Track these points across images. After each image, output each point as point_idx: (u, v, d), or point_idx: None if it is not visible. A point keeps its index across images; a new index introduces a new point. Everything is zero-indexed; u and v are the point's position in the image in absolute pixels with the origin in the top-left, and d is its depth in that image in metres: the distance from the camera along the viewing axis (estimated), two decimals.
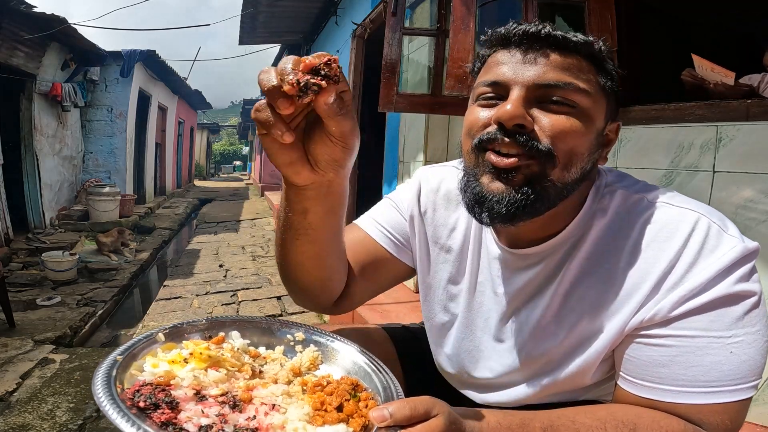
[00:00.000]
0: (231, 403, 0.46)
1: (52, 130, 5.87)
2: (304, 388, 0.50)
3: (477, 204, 0.53)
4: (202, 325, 0.57)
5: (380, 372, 0.52)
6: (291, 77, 0.43)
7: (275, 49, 7.28)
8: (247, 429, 0.43)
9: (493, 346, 0.64)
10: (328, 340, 0.59)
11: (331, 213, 0.57)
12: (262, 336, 0.59)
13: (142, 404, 0.41)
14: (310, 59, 0.45)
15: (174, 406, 0.43)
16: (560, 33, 0.51)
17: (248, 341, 0.57)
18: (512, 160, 0.50)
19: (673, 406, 0.48)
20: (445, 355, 0.70)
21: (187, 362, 0.49)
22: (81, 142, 6.68)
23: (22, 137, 5.42)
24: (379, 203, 0.77)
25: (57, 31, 4.94)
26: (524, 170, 0.50)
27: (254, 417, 0.45)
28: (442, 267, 0.69)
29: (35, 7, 4.43)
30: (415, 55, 2.17)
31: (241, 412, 0.45)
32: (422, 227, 0.70)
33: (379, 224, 0.72)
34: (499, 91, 0.52)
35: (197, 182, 16.81)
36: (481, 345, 0.65)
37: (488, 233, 0.64)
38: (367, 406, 0.46)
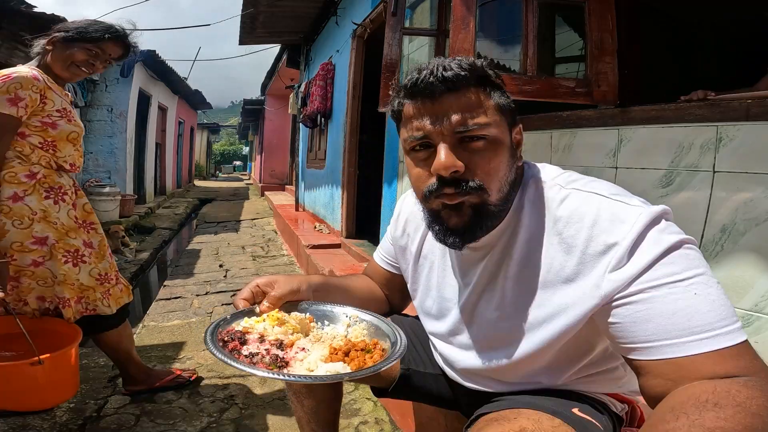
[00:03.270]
0: (278, 344, 0.70)
1: None
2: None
3: (446, 236, 0.66)
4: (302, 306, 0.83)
5: (396, 333, 0.73)
6: None
7: (275, 49, 7.27)
8: (278, 358, 0.67)
9: (465, 332, 0.76)
10: (373, 317, 0.81)
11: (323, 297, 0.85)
12: (325, 316, 0.82)
13: (225, 339, 0.70)
14: None
15: (243, 342, 0.70)
16: (450, 73, 0.60)
17: (309, 315, 0.80)
18: (458, 200, 0.63)
19: (693, 363, 0.50)
20: (434, 346, 0.86)
21: (264, 320, 0.74)
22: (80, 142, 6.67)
23: None
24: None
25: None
26: (467, 203, 0.63)
27: (287, 353, 0.69)
28: (420, 272, 0.84)
29: (35, 7, 4.42)
30: (416, 55, 2.17)
31: (282, 350, 0.69)
32: (399, 245, 0.89)
33: (381, 254, 0.97)
34: (426, 140, 0.63)
35: (197, 182, 16.81)
36: (456, 333, 0.77)
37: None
38: (372, 357, 0.68)
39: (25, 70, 1.38)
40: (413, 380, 0.89)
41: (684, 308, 0.51)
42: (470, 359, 0.75)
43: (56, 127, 1.43)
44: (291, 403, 1.04)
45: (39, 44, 1.47)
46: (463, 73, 0.60)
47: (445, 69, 0.60)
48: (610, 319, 0.56)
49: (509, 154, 0.64)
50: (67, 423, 1.50)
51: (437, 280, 0.80)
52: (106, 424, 1.51)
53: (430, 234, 0.77)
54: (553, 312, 0.62)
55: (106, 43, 1.47)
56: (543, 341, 0.64)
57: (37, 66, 1.45)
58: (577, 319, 0.60)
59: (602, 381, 0.71)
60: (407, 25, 1.82)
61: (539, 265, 0.63)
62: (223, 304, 2.88)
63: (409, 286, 0.87)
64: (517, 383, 0.71)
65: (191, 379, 1.80)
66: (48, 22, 4.77)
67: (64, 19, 4.90)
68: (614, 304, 0.56)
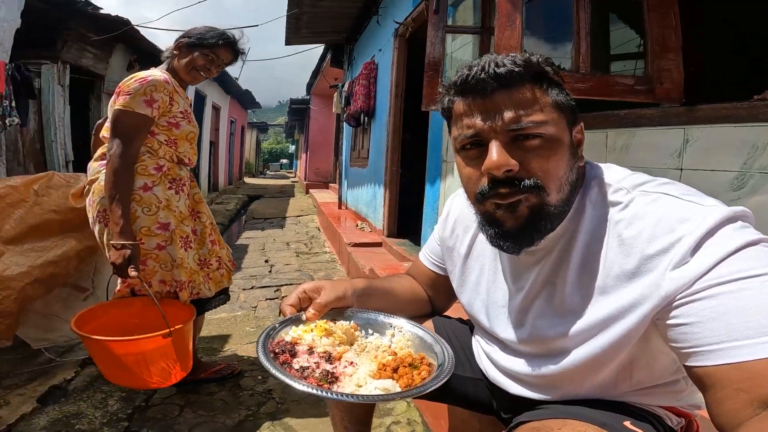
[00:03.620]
0: (327, 357, 0.70)
1: None
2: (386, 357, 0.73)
3: (501, 240, 0.63)
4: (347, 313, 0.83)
5: (443, 349, 0.73)
6: None
7: (320, 49, 7.39)
8: (328, 373, 0.68)
9: (514, 337, 0.72)
10: (416, 328, 0.81)
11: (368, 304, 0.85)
12: (371, 324, 0.83)
13: (276, 351, 0.70)
14: None
15: (293, 354, 0.70)
16: (503, 69, 0.58)
17: (355, 323, 0.81)
18: (513, 199, 0.59)
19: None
20: (481, 348, 0.83)
21: (312, 331, 0.74)
22: None
23: (91, 136, 5.87)
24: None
25: (122, 33, 5.23)
26: (524, 203, 0.59)
27: (336, 367, 0.70)
28: (468, 274, 0.82)
29: (101, 8, 4.71)
30: (459, 53, 2.11)
31: (331, 363, 0.70)
32: (447, 246, 0.87)
33: (427, 254, 0.96)
34: (477, 138, 0.61)
35: (247, 179, 17.53)
36: (503, 338, 0.74)
37: None
38: (420, 374, 0.68)
39: (158, 73, 1.52)
40: (450, 382, 0.86)
41: (761, 305, 0.44)
42: (518, 365, 0.72)
43: (179, 127, 1.57)
44: (327, 401, 1.06)
45: (168, 49, 1.64)
46: (517, 69, 0.57)
47: (497, 65, 0.58)
48: (671, 321, 0.51)
49: (569, 153, 0.61)
50: (117, 412, 1.58)
51: (487, 284, 0.78)
52: (152, 413, 1.59)
53: (480, 235, 0.76)
54: (610, 318, 0.58)
55: (220, 49, 1.62)
56: (599, 349, 0.60)
57: (166, 69, 1.61)
58: (635, 324, 0.55)
59: (660, 394, 0.65)
60: (450, 23, 1.77)
61: (598, 270, 0.59)
62: (267, 299, 2.97)
63: (455, 287, 0.86)
64: (565, 392, 0.67)
65: (234, 372, 1.87)
66: (112, 23, 5.08)
67: (127, 21, 5.23)
68: (675, 304, 0.50)
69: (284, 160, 34.20)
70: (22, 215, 1.75)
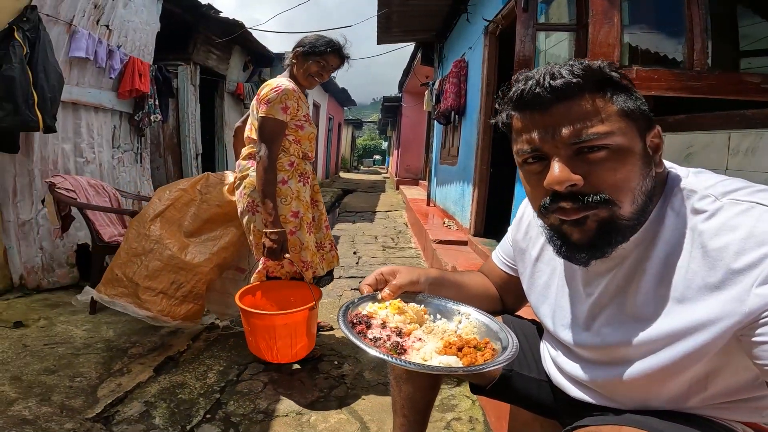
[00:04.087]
0: (398, 332, 0.77)
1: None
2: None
3: (570, 252, 0.63)
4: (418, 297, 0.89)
5: (508, 335, 0.75)
6: None
7: (411, 47, 7.47)
8: (398, 344, 0.74)
9: (582, 343, 0.71)
10: (483, 316, 0.84)
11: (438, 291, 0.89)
12: (441, 311, 0.88)
13: (353, 321, 0.78)
14: None
15: (368, 325, 0.77)
16: (559, 82, 0.56)
17: (425, 307, 0.86)
18: (579, 215, 0.58)
19: None
20: (547, 351, 0.83)
21: (386, 308, 0.81)
22: None
23: (216, 131, 6.64)
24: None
25: (238, 35, 5.82)
26: (593, 218, 0.58)
27: (405, 341, 0.75)
28: (538, 277, 0.82)
29: (221, 12, 5.22)
30: (554, 50, 2.03)
31: (401, 338, 0.76)
32: (519, 248, 0.88)
33: (499, 254, 0.97)
34: (538, 153, 0.60)
35: (342, 174, 18.42)
36: (568, 343, 0.74)
37: None
38: (483, 355, 0.71)
39: (286, 82, 1.78)
40: (514, 382, 0.89)
41: None
42: (581, 370, 0.71)
43: (303, 129, 1.84)
44: (390, 388, 1.12)
45: (288, 56, 1.88)
46: (575, 80, 0.56)
47: (553, 77, 0.56)
48: (756, 339, 0.50)
49: (642, 162, 0.58)
50: (213, 385, 1.80)
51: (556, 288, 0.77)
52: (240, 388, 1.80)
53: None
54: (685, 330, 0.56)
55: (329, 56, 1.81)
56: (668, 360, 0.58)
57: (288, 76, 1.86)
58: (714, 338, 0.53)
59: (741, 409, 0.61)
60: (541, 20, 1.72)
61: (678, 281, 0.57)
62: (352, 289, 3.16)
63: (525, 288, 0.86)
64: (629, 401, 0.66)
65: (315, 356, 2.03)
66: (230, 26, 5.70)
67: (242, 24, 5.80)
68: (761, 321, 0.49)
69: (377, 156, 35.22)
70: (195, 212, 2.12)
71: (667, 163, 0.65)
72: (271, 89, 1.72)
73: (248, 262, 2.27)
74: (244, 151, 1.91)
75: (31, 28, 2.61)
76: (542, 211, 0.62)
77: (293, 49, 1.84)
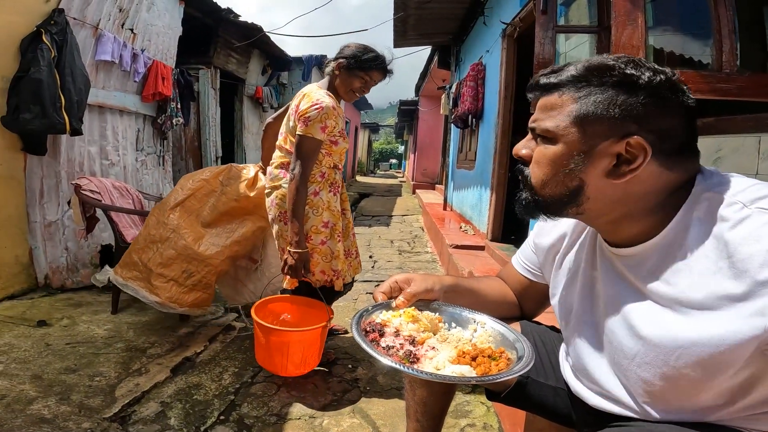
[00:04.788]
0: (411, 340, 0.76)
1: (255, 128, 7.16)
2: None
3: (516, 203, 0.73)
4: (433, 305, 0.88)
5: (524, 346, 0.74)
6: None
7: (428, 50, 7.46)
8: (411, 353, 0.74)
9: (600, 347, 0.71)
10: (499, 325, 0.83)
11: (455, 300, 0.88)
12: (454, 318, 0.88)
13: (367, 329, 0.78)
14: None
15: (381, 333, 0.77)
16: (545, 80, 0.66)
17: (439, 316, 0.86)
18: (520, 178, 0.71)
19: None
20: (564, 356, 0.83)
21: (400, 316, 0.81)
22: None
23: (235, 134, 6.74)
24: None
25: (257, 39, 5.88)
26: (523, 185, 0.71)
27: (418, 350, 0.75)
28: (560, 278, 0.82)
29: (240, 16, 5.28)
30: (574, 53, 1.99)
31: (414, 346, 0.75)
32: (542, 247, 0.87)
33: (520, 259, 0.97)
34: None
35: (359, 178, 18.50)
36: (591, 346, 0.73)
37: (599, 237, 0.74)
38: (498, 365, 0.70)
39: (326, 98, 1.71)
40: (530, 389, 0.87)
41: None
42: (598, 376, 0.70)
43: (337, 144, 1.82)
44: (405, 392, 1.11)
45: (330, 66, 1.84)
46: (554, 80, 0.65)
47: (553, 72, 0.66)
48: None
49: (565, 159, 0.63)
50: (228, 386, 1.82)
51: (577, 291, 0.77)
52: (254, 390, 1.81)
53: (577, 242, 0.79)
54: (704, 341, 0.55)
55: (374, 72, 1.77)
56: (682, 371, 0.57)
57: (327, 87, 1.83)
58: (733, 350, 0.52)
59: None
60: (561, 22, 1.69)
61: (699, 290, 0.56)
62: (367, 293, 3.15)
63: (550, 290, 0.86)
64: (650, 409, 0.64)
65: (329, 359, 2.03)
66: (249, 30, 5.78)
67: (260, 28, 5.86)
68: None
69: (393, 160, 35.27)
70: (214, 203, 2.16)
71: (704, 170, 0.63)
72: (312, 105, 1.68)
73: (260, 254, 2.31)
74: (276, 158, 1.89)
75: (58, 32, 2.68)
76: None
77: (336, 59, 1.78)
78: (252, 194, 2.07)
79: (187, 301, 2.09)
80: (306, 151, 1.70)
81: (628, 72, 0.59)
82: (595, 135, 0.61)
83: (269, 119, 2.13)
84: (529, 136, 0.69)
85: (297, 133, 1.70)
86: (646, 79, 0.58)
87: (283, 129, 1.89)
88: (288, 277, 1.81)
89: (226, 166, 2.25)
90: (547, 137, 0.65)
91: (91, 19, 3.04)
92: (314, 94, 1.72)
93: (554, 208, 0.68)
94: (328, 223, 1.80)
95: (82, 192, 2.57)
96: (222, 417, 1.60)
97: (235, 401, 1.72)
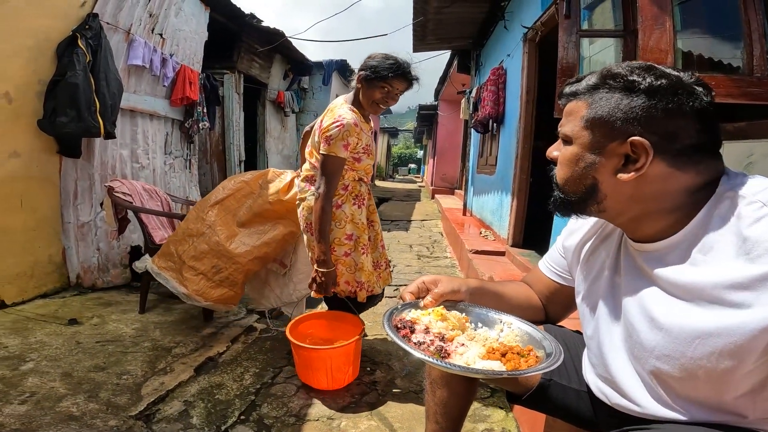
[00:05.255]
0: (440, 337, 0.79)
1: (277, 132, 7.27)
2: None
3: (550, 207, 0.77)
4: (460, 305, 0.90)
5: (551, 343, 0.76)
6: None
7: (447, 54, 7.44)
8: (442, 348, 0.76)
9: (622, 344, 0.72)
10: (525, 325, 0.84)
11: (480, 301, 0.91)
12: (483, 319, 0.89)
13: (398, 326, 0.80)
14: None
15: (412, 330, 0.80)
16: (568, 89, 0.72)
17: (466, 315, 0.88)
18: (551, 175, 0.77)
19: None
20: (587, 357, 0.83)
21: (429, 314, 0.83)
22: (295, 143, 8.11)
23: (258, 138, 6.85)
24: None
25: (279, 44, 5.96)
26: (553, 184, 0.76)
27: (448, 346, 0.77)
28: (586, 275, 0.83)
29: (262, 21, 5.37)
30: (599, 57, 1.96)
31: (444, 343, 0.78)
32: (567, 245, 0.90)
33: (547, 262, 0.98)
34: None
35: (378, 182, 18.55)
36: (613, 343, 0.74)
37: (624, 235, 0.76)
38: (527, 361, 0.72)
39: (348, 115, 1.70)
40: (552, 392, 0.88)
41: None
42: (619, 373, 0.72)
43: (360, 162, 1.82)
44: (425, 393, 1.12)
45: (353, 79, 1.82)
46: (574, 89, 0.71)
47: (577, 81, 0.71)
48: None
49: (578, 159, 0.69)
50: (249, 386, 1.85)
51: (603, 288, 0.78)
52: (274, 390, 1.83)
53: (604, 242, 0.81)
54: (723, 332, 0.56)
55: (393, 80, 1.70)
56: (703, 366, 0.59)
57: (352, 102, 1.82)
58: (749, 341, 0.54)
59: None
60: (584, 26, 1.67)
61: (718, 286, 0.58)
62: (386, 297, 3.15)
63: (575, 288, 0.87)
64: (671, 406, 0.65)
65: None
66: (271, 35, 5.87)
67: (282, 33, 5.93)
68: None
69: (412, 165, 35.24)
70: (250, 204, 2.24)
71: (728, 171, 0.66)
72: (333, 123, 1.67)
73: (290, 258, 2.36)
74: (304, 169, 1.92)
75: (93, 36, 2.77)
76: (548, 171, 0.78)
77: (357, 72, 1.75)
78: (285, 198, 2.13)
79: (213, 295, 2.16)
80: (330, 170, 1.70)
81: (630, 78, 0.64)
82: (603, 136, 0.66)
83: (307, 128, 2.15)
84: (559, 140, 0.74)
85: (321, 152, 1.71)
86: (647, 84, 0.62)
87: (310, 141, 1.91)
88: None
89: (266, 170, 2.32)
90: (566, 140, 0.71)
91: (123, 23, 3.13)
92: (337, 110, 1.72)
93: (578, 205, 0.72)
94: (351, 235, 1.82)
95: (115, 194, 2.67)
96: (242, 417, 1.63)
97: (255, 401, 1.74)
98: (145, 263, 2.37)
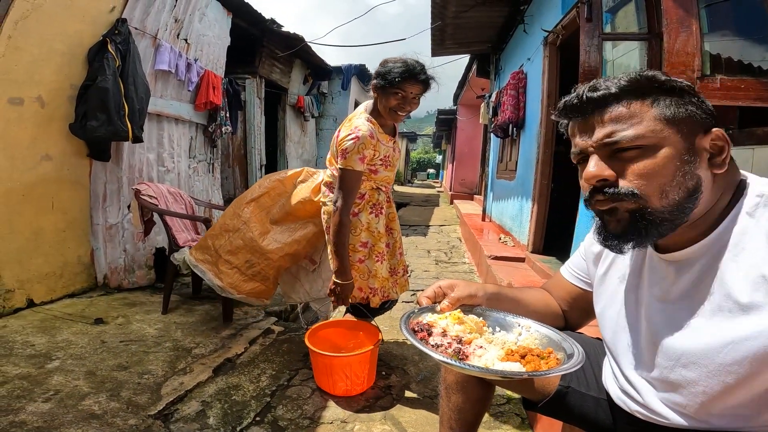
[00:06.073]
0: (458, 340, 0.78)
1: (297, 137, 7.36)
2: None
3: (606, 239, 0.68)
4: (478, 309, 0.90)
5: (572, 345, 0.75)
6: None
7: (466, 59, 7.40)
8: (459, 351, 0.75)
9: (645, 352, 0.70)
10: (544, 328, 0.83)
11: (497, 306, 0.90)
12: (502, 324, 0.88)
13: (415, 328, 0.80)
14: None
15: (429, 333, 0.79)
16: (597, 94, 0.65)
17: (483, 320, 0.87)
18: (608, 205, 0.66)
19: None
20: (608, 365, 0.81)
21: (446, 318, 0.83)
22: (315, 148, 8.21)
23: (278, 143, 6.95)
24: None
25: (299, 49, 6.03)
26: (622, 209, 0.64)
27: (466, 349, 0.77)
28: (607, 282, 0.82)
29: (283, 26, 5.43)
30: (623, 60, 1.91)
31: (461, 345, 0.77)
32: (592, 251, 0.89)
33: (570, 268, 0.97)
34: (583, 155, 0.69)
35: (396, 187, 18.56)
36: (636, 352, 0.72)
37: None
38: (547, 363, 0.71)
39: (364, 126, 1.67)
40: (570, 399, 0.86)
41: None
42: (640, 381, 0.70)
43: (377, 173, 1.83)
44: (440, 399, 1.10)
45: (370, 88, 1.79)
46: (613, 91, 0.64)
47: (594, 89, 0.66)
48: None
49: (680, 162, 0.62)
50: (265, 388, 1.87)
51: (623, 296, 0.77)
52: (289, 392, 1.84)
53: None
54: (755, 336, 0.55)
55: (404, 84, 1.62)
56: (733, 372, 0.57)
57: (371, 111, 1.79)
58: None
59: None
60: (607, 29, 1.63)
61: (747, 286, 0.57)
62: (403, 302, 3.14)
63: (594, 295, 0.86)
64: (693, 417, 0.63)
65: None
66: (292, 40, 5.95)
67: (302, 38, 6.00)
68: None
69: (431, 170, 35.12)
70: (283, 203, 2.30)
71: (750, 175, 0.66)
72: (348, 135, 1.65)
73: (320, 256, 2.40)
74: (326, 175, 1.95)
75: (122, 41, 2.85)
76: (585, 203, 0.70)
77: (371, 82, 1.71)
78: (315, 199, 2.17)
79: (245, 289, 2.23)
80: (348, 185, 1.69)
81: (666, 78, 0.64)
82: (689, 132, 0.63)
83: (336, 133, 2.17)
84: (597, 157, 0.66)
85: (339, 165, 1.71)
86: (684, 86, 0.63)
87: (330, 149, 1.92)
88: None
89: (301, 169, 2.37)
90: (642, 146, 0.62)
91: (150, 29, 3.22)
92: (354, 120, 1.70)
93: (673, 217, 0.63)
94: (366, 243, 1.83)
95: (142, 197, 2.75)
96: (258, 418, 1.65)
97: (270, 403, 1.76)
98: (183, 255, 2.45)
